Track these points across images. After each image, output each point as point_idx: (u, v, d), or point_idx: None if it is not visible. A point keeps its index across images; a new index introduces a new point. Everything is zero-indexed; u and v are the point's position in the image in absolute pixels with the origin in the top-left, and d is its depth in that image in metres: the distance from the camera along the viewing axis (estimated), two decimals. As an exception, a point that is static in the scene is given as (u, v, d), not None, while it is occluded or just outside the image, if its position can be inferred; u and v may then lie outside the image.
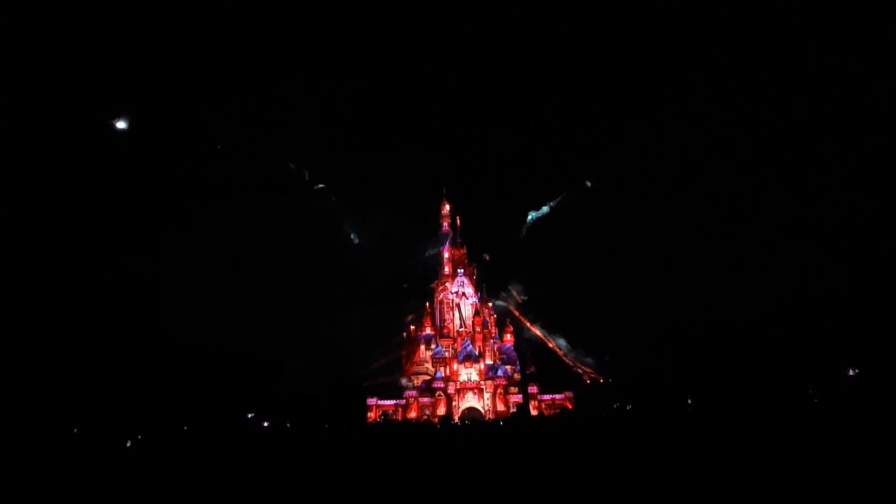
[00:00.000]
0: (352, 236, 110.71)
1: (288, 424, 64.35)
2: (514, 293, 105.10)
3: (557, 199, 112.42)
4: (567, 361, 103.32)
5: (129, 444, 30.75)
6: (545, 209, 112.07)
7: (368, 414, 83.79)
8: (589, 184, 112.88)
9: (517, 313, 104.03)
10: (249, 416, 66.20)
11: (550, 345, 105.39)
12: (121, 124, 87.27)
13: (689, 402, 61.98)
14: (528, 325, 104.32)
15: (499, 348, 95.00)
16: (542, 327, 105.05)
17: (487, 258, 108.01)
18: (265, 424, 58.96)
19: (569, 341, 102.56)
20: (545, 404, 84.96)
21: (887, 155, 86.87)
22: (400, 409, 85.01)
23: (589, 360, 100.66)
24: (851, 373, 63.23)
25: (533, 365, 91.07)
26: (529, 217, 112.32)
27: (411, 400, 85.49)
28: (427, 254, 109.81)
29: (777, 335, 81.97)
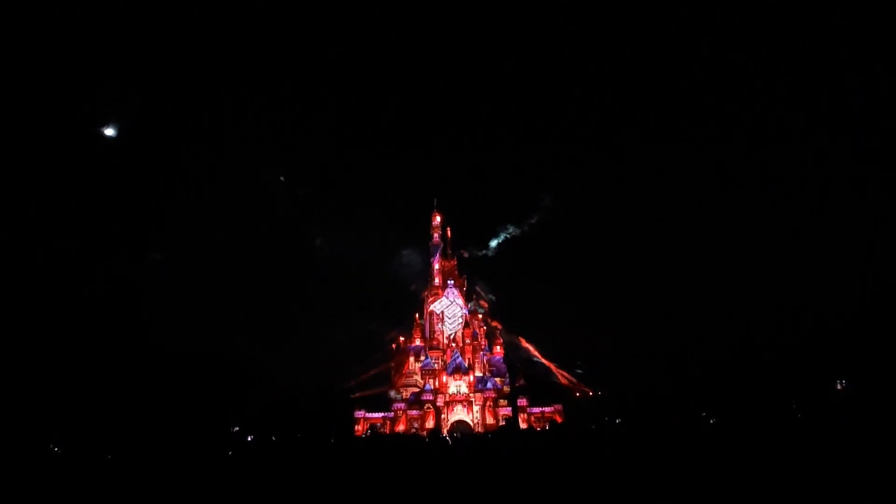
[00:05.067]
0: (342, 246, 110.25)
1: (273, 437, 63.30)
2: (484, 297, 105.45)
3: (531, 218, 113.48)
4: (556, 374, 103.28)
5: (109, 458, 30.01)
6: (517, 230, 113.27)
7: (356, 427, 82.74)
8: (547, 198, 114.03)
9: (494, 321, 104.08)
10: (235, 429, 64.99)
11: (539, 357, 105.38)
12: (110, 131, 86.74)
13: (677, 417, 62.10)
14: (521, 340, 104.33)
15: (488, 360, 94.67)
16: (529, 338, 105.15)
17: (466, 254, 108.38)
18: (249, 439, 57.89)
19: (551, 353, 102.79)
20: (534, 417, 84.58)
21: (883, 163, 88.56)
22: (388, 422, 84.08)
23: (575, 372, 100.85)
24: (839, 386, 63.73)
25: (522, 377, 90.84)
26: (502, 235, 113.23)
27: (400, 412, 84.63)
28: (417, 265, 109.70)
29: (764, 346, 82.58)
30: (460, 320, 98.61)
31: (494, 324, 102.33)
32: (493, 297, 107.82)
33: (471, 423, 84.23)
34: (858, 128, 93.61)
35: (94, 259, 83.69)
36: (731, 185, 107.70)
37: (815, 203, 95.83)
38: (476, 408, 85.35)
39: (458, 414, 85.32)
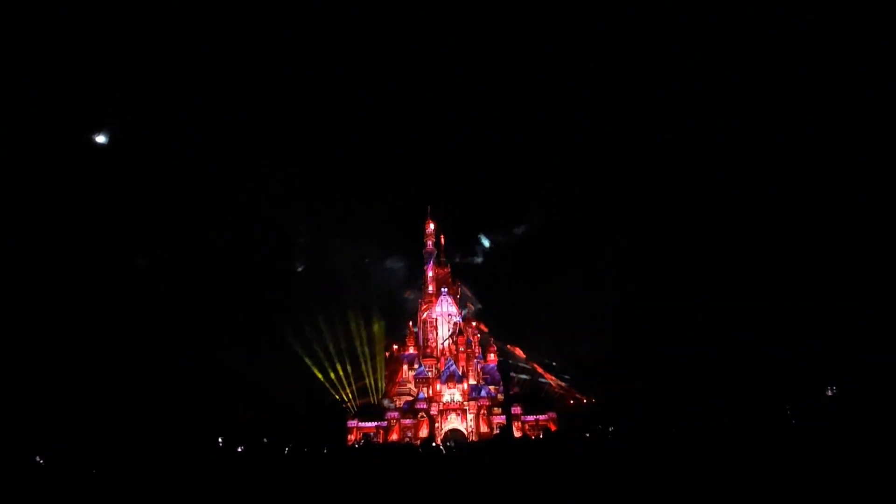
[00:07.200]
0: (336, 252, 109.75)
1: (265, 439, 62.39)
2: (477, 304, 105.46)
3: (526, 223, 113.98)
4: (550, 381, 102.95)
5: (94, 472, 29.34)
6: (512, 235, 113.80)
7: (349, 437, 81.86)
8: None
9: (488, 329, 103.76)
10: (220, 440, 63.86)
11: (533, 365, 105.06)
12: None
13: (672, 425, 61.86)
14: (515, 348, 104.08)
15: (482, 368, 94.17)
16: (523, 346, 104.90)
17: (459, 261, 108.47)
18: (239, 449, 56.97)
19: (545, 361, 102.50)
20: (529, 425, 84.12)
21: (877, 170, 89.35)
22: (381, 432, 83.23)
23: (569, 378, 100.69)
24: (830, 392, 63.93)
25: (516, 385, 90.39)
26: (496, 242, 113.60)
27: (393, 422, 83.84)
28: (410, 272, 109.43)
29: (762, 347, 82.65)
30: (454, 328, 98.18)
31: (487, 330, 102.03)
32: (488, 305, 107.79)
33: (465, 432, 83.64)
34: (858, 128, 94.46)
35: (91, 262, 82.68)
36: (731, 185, 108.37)
37: (815, 203, 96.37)
38: (470, 416, 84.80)
39: (452, 422, 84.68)
